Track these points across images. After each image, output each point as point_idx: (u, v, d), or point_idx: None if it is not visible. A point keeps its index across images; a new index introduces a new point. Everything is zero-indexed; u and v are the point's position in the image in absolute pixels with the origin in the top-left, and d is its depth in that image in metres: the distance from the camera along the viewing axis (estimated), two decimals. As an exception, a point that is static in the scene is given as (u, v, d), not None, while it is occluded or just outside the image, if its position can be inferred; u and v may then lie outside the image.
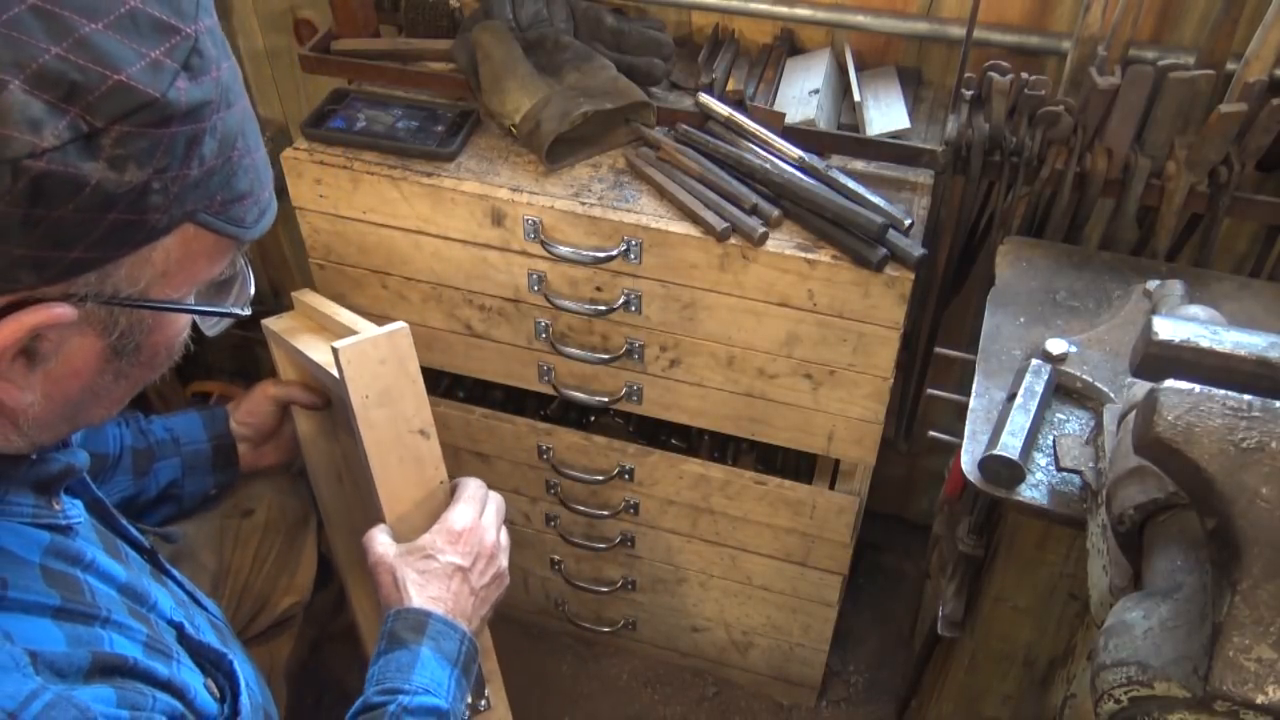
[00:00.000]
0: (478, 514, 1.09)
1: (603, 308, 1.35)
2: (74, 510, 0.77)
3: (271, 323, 1.28)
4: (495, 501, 1.13)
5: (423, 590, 1.00)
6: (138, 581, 0.79)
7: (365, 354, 1.01)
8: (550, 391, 1.51)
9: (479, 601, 1.05)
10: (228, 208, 0.65)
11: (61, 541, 0.72)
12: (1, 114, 0.51)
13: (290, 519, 1.37)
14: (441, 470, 1.11)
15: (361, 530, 1.08)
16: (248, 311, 0.75)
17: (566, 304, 1.36)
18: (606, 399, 1.47)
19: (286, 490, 1.37)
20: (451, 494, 1.12)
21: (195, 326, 0.74)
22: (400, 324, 1.05)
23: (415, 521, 1.09)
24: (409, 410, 1.06)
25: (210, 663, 0.84)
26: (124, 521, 0.88)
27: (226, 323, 0.76)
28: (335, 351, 1.00)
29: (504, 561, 1.10)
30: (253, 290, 0.76)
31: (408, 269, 1.42)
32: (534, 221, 1.29)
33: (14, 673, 0.61)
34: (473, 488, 1.11)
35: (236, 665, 0.86)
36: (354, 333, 1.16)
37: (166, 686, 0.74)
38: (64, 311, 0.59)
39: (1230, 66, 1.24)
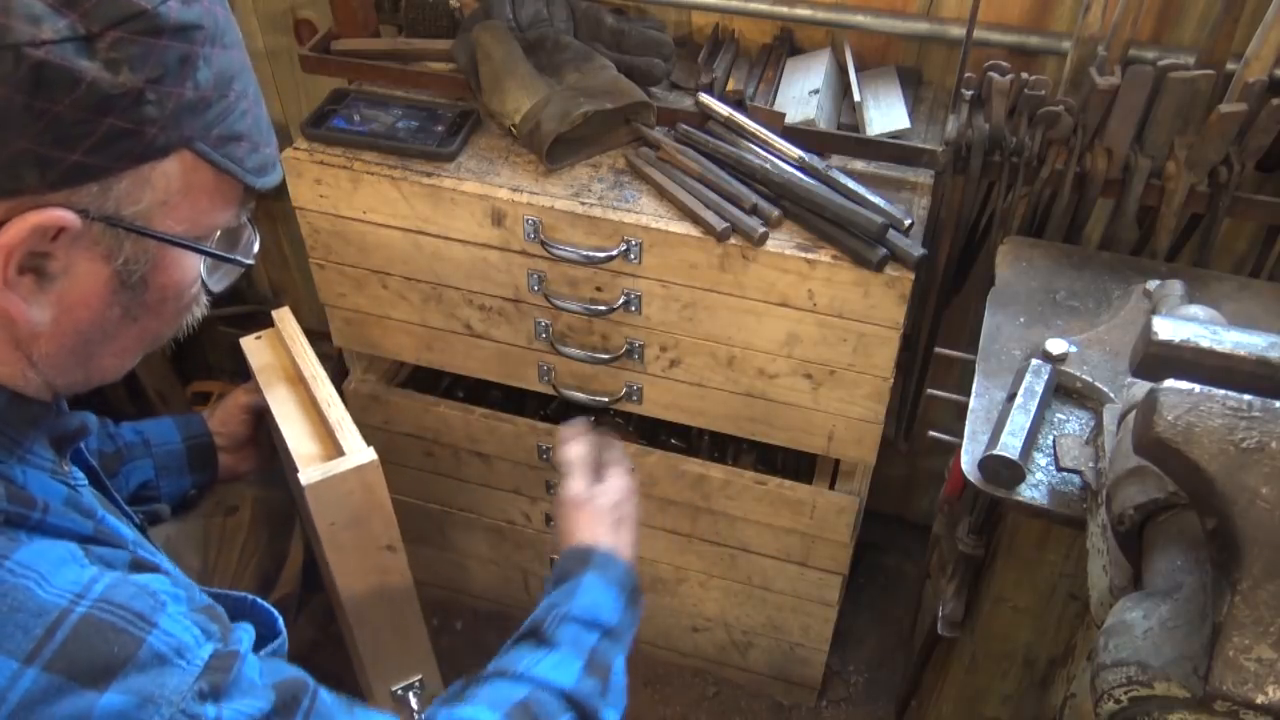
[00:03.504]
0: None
1: (603, 308, 1.35)
2: (77, 474, 0.79)
3: (249, 347, 1.27)
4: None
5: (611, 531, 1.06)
6: (141, 544, 0.80)
7: (332, 488, 1.02)
8: (550, 391, 1.51)
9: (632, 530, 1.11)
10: (225, 144, 0.68)
11: (75, 495, 0.74)
12: (5, 6, 0.56)
13: (275, 513, 1.36)
14: (408, 578, 1.14)
15: None
16: (251, 261, 0.77)
17: (566, 304, 1.36)
18: (606, 399, 1.47)
19: (269, 484, 1.37)
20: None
21: (207, 291, 0.76)
22: (369, 456, 1.04)
23: (381, 627, 1.12)
24: (376, 530, 1.07)
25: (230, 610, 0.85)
26: (117, 496, 0.90)
27: (232, 276, 0.78)
28: (302, 487, 0.99)
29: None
30: (257, 245, 0.79)
31: (408, 269, 1.42)
32: (534, 221, 1.29)
33: (72, 563, 0.66)
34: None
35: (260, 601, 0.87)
36: (314, 392, 1.14)
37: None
38: (65, 215, 0.61)
39: (1230, 66, 1.24)
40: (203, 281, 0.75)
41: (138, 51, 0.60)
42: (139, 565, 0.72)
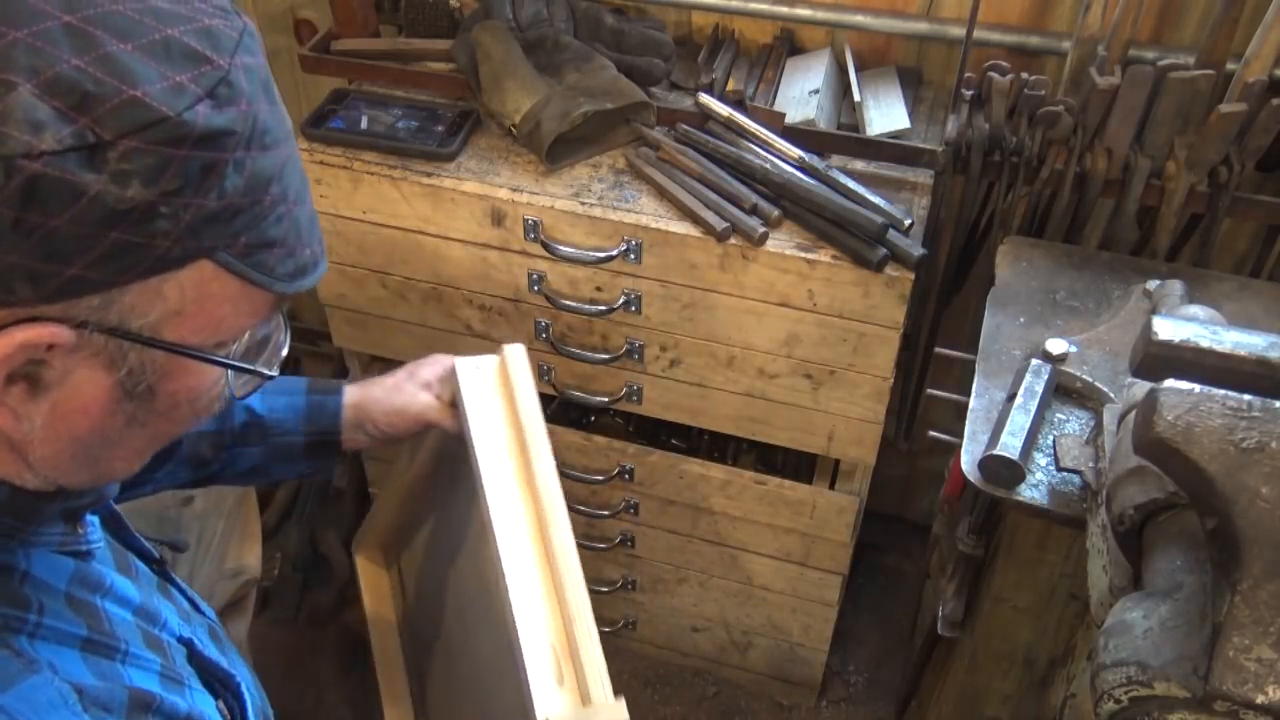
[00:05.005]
0: None
1: (603, 308, 1.35)
2: (94, 532, 0.75)
3: (465, 372, 1.06)
4: None
5: None
6: (149, 600, 0.78)
7: None
8: (550, 392, 1.51)
9: None
10: (254, 252, 0.61)
11: (84, 567, 0.71)
12: (3, 113, 0.51)
13: (230, 500, 1.33)
14: None
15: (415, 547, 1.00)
16: (274, 373, 0.70)
17: (567, 304, 1.36)
18: (606, 399, 1.47)
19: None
20: None
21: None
22: (621, 714, 0.87)
23: None
24: None
25: (219, 681, 0.82)
26: (135, 534, 0.86)
27: (255, 385, 0.72)
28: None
29: None
30: (285, 352, 0.72)
31: (408, 269, 1.42)
32: (534, 221, 1.29)
33: (63, 709, 0.61)
34: None
35: (243, 685, 0.85)
36: (532, 467, 0.98)
37: None
38: (57, 331, 0.56)
39: (1230, 66, 1.24)
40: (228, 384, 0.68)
41: (152, 162, 0.54)
42: (136, 701, 0.68)
